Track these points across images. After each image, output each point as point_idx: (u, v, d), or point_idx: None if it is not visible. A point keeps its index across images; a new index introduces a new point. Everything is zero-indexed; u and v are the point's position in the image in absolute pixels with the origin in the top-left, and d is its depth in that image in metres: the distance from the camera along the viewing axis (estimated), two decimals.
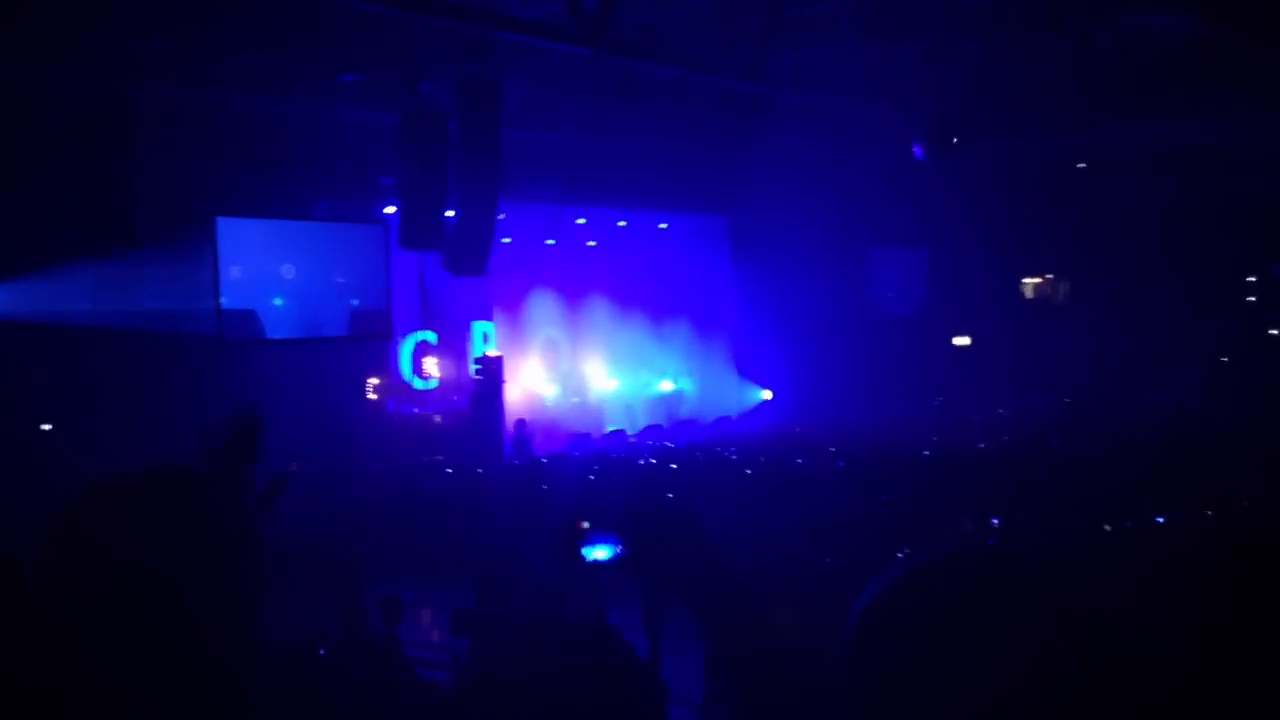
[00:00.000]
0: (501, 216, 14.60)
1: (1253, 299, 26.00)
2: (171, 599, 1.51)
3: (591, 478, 15.09)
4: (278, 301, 17.77)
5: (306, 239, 18.19)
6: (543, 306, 23.63)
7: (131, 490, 1.60)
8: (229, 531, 1.60)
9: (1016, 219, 24.32)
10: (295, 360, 17.77)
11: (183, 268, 16.49)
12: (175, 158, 14.55)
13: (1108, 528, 9.95)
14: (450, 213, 14.21)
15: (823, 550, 9.73)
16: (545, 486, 14.06)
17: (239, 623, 1.58)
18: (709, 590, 1.92)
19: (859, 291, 25.98)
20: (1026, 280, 28.35)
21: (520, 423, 19.26)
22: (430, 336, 20.80)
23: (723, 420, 24.07)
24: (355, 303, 18.67)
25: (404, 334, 20.26)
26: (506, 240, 18.68)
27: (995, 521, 10.95)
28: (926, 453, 16.37)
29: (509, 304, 22.53)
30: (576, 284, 23.83)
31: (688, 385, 25.62)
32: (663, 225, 24.24)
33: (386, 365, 20.26)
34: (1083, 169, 23.76)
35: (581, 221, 22.54)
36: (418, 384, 20.58)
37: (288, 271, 17.89)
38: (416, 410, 20.22)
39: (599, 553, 1.99)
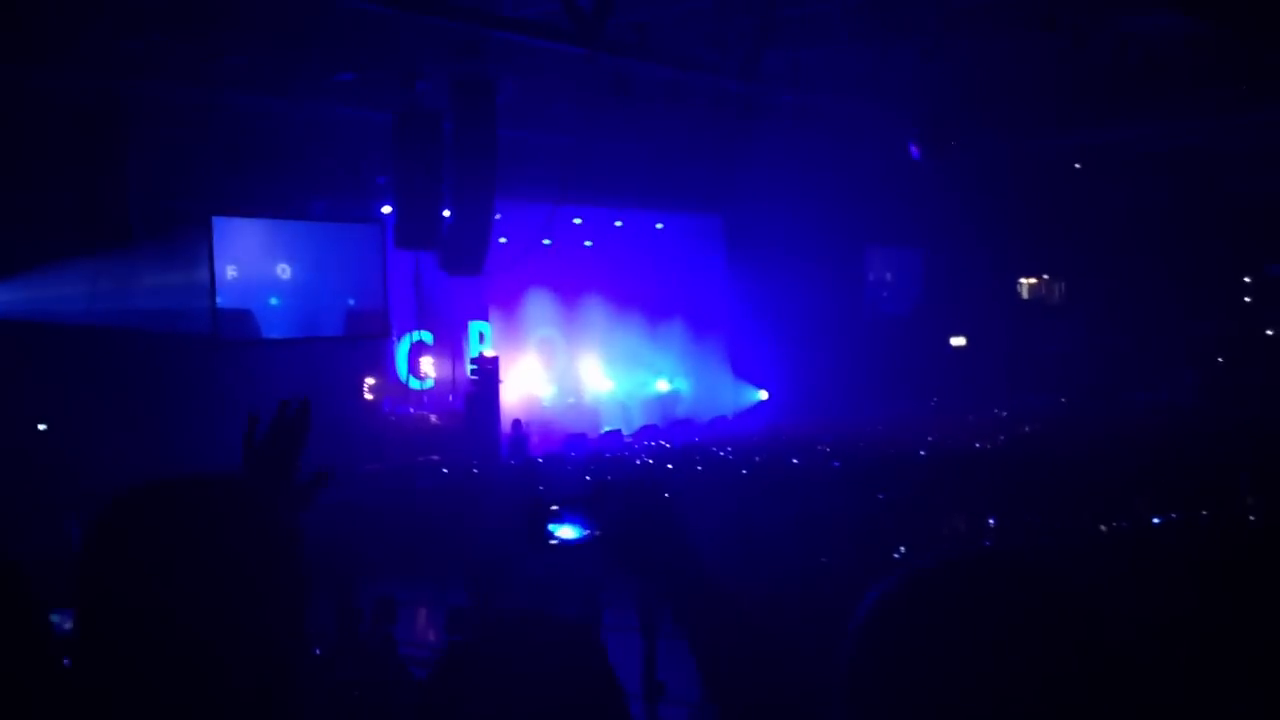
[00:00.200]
0: (497, 216, 14.60)
1: (1248, 299, 26.05)
2: (212, 612, 1.47)
3: (588, 478, 15.09)
4: (273, 301, 17.75)
5: (302, 238, 18.17)
6: (539, 306, 23.62)
7: (172, 497, 1.55)
8: (271, 546, 1.55)
9: (1012, 219, 24.34)
10: (291, 360, 17.75)
11: (178, 267, 16.48)
12: (171, 157, 14.54)
13: (1104, 528, 9.96)
14: (446, 212, 14.21)
15: (819, 550, 9.73)
16: (541, 487, 14.06)
17: (280, 638, 1.53)
18: (673, 569, 1.91)
19: (855, 291, 25.98)
20: (1023, 280, 28.39)
21: (516, 423, 19.26)
22: (426, 336, 20.78)
23: (719, 420, 24.07)
24: (351, 302, 18.66)
25: (400, 334, 20.25)
26: (503, 240, 18.68)
27: (991, 521, 10.95)
28: (922, 452, 16.39)
29: (505, 304, 22.53)
30: (572, 284, 23.82)
31: (684, 385, 25.62)
32: (659, 225, 24.24)
33: (382, 365, 20.24)
34: (1078, 169, 23.79)
35: (578, 221, 22.53)
36: (414, 384, 20.57)
37: (283, 271, 17.87)
38: (412, 410, 20.20)
39: (566, 531, 1.97)
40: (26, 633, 1.67)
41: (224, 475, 1.63)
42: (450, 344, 21.14)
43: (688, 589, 1.88)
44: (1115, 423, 19.13)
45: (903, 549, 9.17)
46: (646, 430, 22.78)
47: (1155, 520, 10.17)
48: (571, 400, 23.83)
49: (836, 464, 15.43)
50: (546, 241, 21.82)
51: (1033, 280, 28.48)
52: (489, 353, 20.68)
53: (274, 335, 17.62)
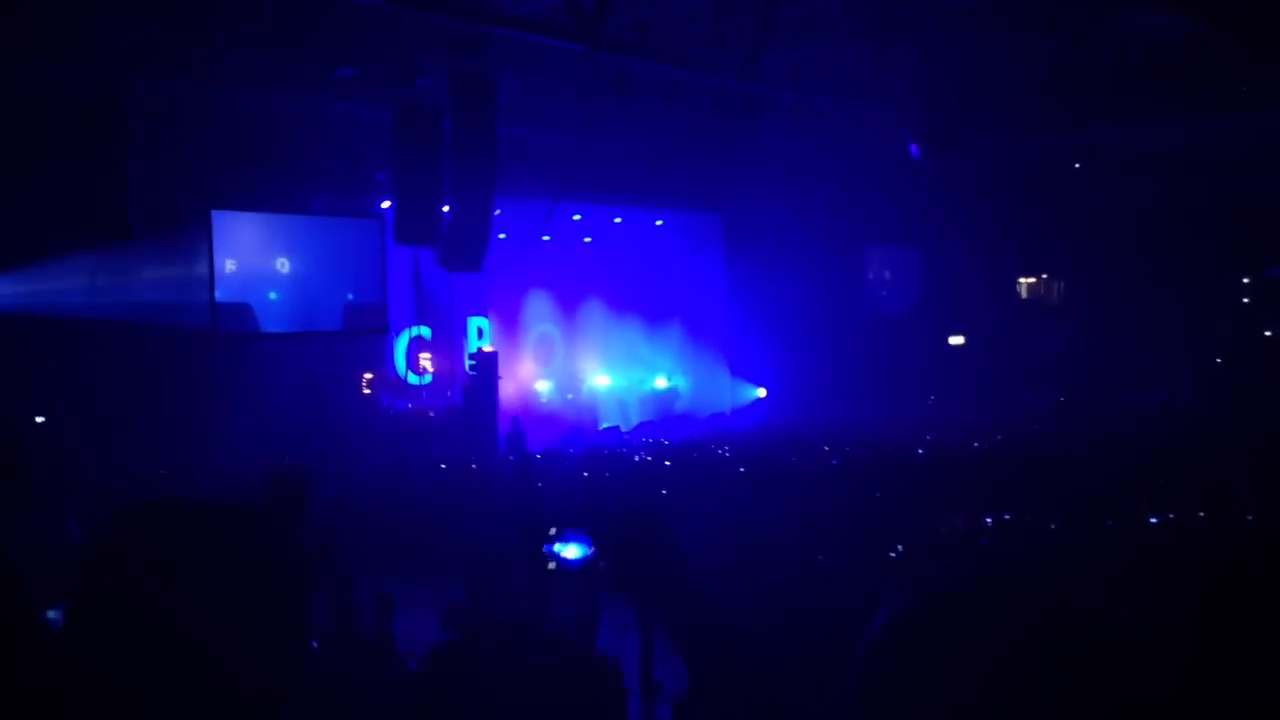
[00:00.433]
0: (497, 213, 14.60)
1: (1247, 300, 26.07)
2: (206, 637, 1.43)
3: (585, 474, 15.10)
4: (272, 295, 17.76)
5: (301, 233, 18.18)
6: (537, 302, 23.66)
7: (176, 522, 1.51)
8: (277, 578, 1.51)
9: (1011, 219, 24.35)
10: (289, 354, 17.78)
11: (177, 261, 16.50)
12: (171, 152, 14.54)
13: (1101, 528, 9.96)
14: (446, 208, 14.21)
15: (815, 547, 9.74)
16: (539, 483, 14.07)
17: (276, 672, 1.49)
18: (669, 591, 1.91)
19: (853, 290, 26.00)
20: (1021, 280, 28.40)
21: (514, 419, 19.27)
22: (425, 332, 20.80)
23: (716, 417, 24.09)
24: (350, 297, 18.66)
25: (399, 329, 20.26)
26: (502, 236, 18.68)
27: (988, 520, 10.95)
28: (920, 451, 16.38)
29: (504, 300, 22.54)
30: (571, 280, 23.85)
31: (682, 382, 25.65)
32: (658, 222, 24.25)
33: (381, 360, 20.26)
34: (1078, 169, 23.79)
35: (577, 218, 22.54)
36: (412, 379, 20.59)
37: (282, 266, 17.88)
38: (411, 405, 20.22)
39: (570, 551, 1.99)
40: (20, 631, 1.67)
41: (235, 502, 1.58)
42: (449, 339, 21.16)
43: (683, 611, 1.88)
44: (1113, 422, 19.14)
45: (900, 548, 9.18)
46: (644, 427, 22.80)
47: (1152, 520, 10.18)
48: (570, 396, 23.85)
49: (834, 462, 15.44)
50: (546, 238, 21.84)
51: (1031, 280, 28.50)
52: (488, 348, 20.69)
53: (273, 329, 17.63)
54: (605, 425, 22.69)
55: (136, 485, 13.15)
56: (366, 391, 19.88)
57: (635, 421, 23.52)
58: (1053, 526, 10.31)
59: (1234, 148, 21.89)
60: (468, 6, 12.25)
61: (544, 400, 23.32)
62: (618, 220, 23.56)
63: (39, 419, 15.03)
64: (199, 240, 16.62)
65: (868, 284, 26.83)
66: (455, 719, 1.59)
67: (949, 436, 18.11)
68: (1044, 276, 28.38)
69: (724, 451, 17.27)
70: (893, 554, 9.01)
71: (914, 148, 16.36)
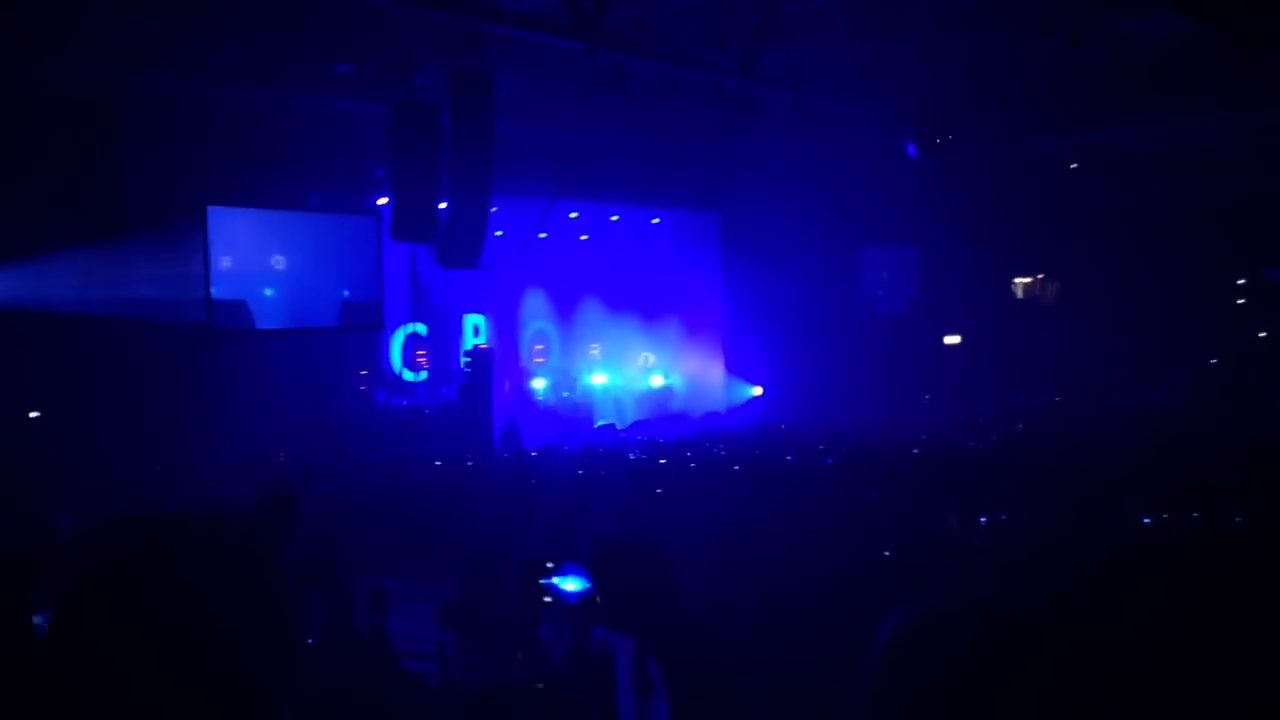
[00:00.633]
0: (494, 210, 14.60)
1: (1242, 301, 26.09)
2: (192, 654, 1.43)
3: (580, 472, 15.09)
4: (268, 292, 17.73)
5: (298, 229, 18.15)
6: (534, 300, 23.65)
7: (162, 535, 1.51)
8: (261, 591, 1.51)
9: (1008, 219, 24.34)
10: (285, 351, 17.76)
11: (174, 257, 16.47)
12: (167, 147, 14.52)
13: (1100, 526, 9.97)
14: (442, 205, 14.20)
15: (810, 545, 9.74)
16: (534, 480, 14.07)
17: (262, 686, 1.49)
18: (666, 632, 1.91)
19: (849, 289, 26.00)
20: (1017, 280, 28.41)
21: (510, 416, 19.26)
22: (421, 328, 20.79)
23: (711, 415, 24.10)
24: (346, 294, 18.64)
25: (395, 326, 20.24)
26: (499, 233, 18.67)
27: (983, 520, 10.95)
28: (915, 450, 16.37)
29: (500, 296, 22.53)
30: (568, 278, 23.84)
31: (678, 381, 25.65)
32: (655, 220, 24.24)
33: (377, 357, 20.25)
34: (1074, 169, 23.81)
35: (574, 216, 22.54)
36: (408, 376, 20.58)
37: (278, 262, 17.86)
38: (406, 402, 20.20)
39: (569, 584, 1.99)
40: (8, 638, 1.66)
41: (221, 515, 1.58)
42: (445, 336, 21.15)
43: (680, 651, 1.89)
44: (1108, 423, 19.14)
45: (896, 547, 9.17)
46: (639, 425, 22.80)
47: (1146, 521, 10.19)
48: (565, 394, 23.86)
49: (830, 460, 15.43)
50: (543, 235, 21.83)
51: (1027, 280, 28.51)
52: (483, 345, 20.68)
53: (268, 326, 17.61)
54: (601, 422, 22.69)
55: (131, 481, 13.15)
56: (362, 388, 19.87)
57: (631, 419, 23.53)
58: (1048, 527, 10.32)
59: (1230, 149, 21.91)
60: (466, 3, 12.25)
61: (539, 397, 23.33)
62: (614, 218, 23.55)
63: (33, 414, 15.03)
64: (195, 236, 16.59)
65: (864, 283, 26.82)
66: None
67: (944, 436, 18.10)
68: (1040, 277, 28.39)
69: (719, 450, 17.26)
70: (887, 553, 9.01)
71: (911, 147, 16.38)
